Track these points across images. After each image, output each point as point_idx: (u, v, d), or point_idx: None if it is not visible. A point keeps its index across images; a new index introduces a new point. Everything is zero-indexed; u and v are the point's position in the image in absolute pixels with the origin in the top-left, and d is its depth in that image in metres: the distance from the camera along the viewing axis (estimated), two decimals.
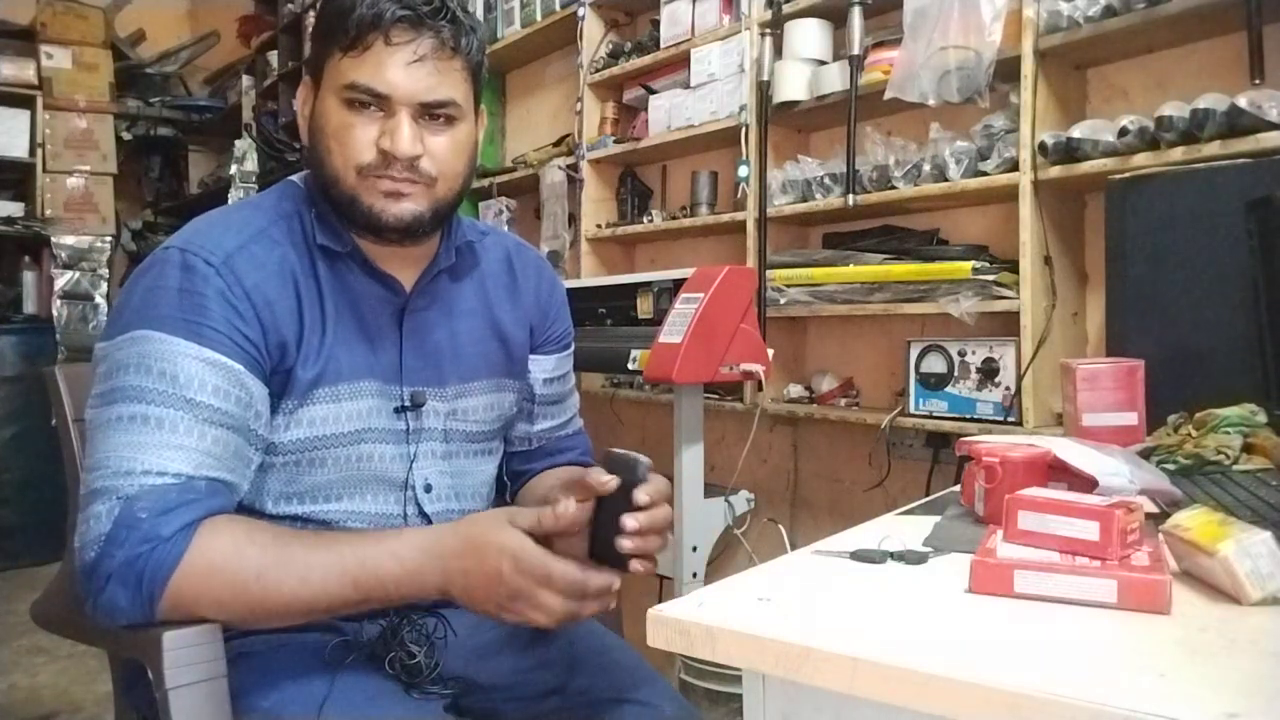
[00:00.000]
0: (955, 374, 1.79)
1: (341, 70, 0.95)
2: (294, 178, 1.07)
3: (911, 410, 1.85)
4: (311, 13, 4.02)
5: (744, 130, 2.15)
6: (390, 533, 0.92)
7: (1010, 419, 1.70)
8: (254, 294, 0.94)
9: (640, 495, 0.86)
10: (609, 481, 0.86)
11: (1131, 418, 1.23)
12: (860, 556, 0.79)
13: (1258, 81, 1.41)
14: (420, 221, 0.99)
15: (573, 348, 1.26)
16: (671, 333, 1.74)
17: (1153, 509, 0.89)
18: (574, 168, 2.69)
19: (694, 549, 1.88)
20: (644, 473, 0.88)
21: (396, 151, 0.94)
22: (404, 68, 0.93)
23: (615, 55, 2.60)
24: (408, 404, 1.04)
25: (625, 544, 0.85)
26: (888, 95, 1.79)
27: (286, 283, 0.97)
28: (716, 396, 2.20)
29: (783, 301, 2.06)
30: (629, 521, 0.85)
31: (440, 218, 1.02)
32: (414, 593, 0.90)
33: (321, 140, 0.97)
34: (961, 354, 1.79)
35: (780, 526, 2.20)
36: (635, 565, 0.86)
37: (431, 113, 0.96)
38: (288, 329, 0.96)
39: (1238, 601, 0.65)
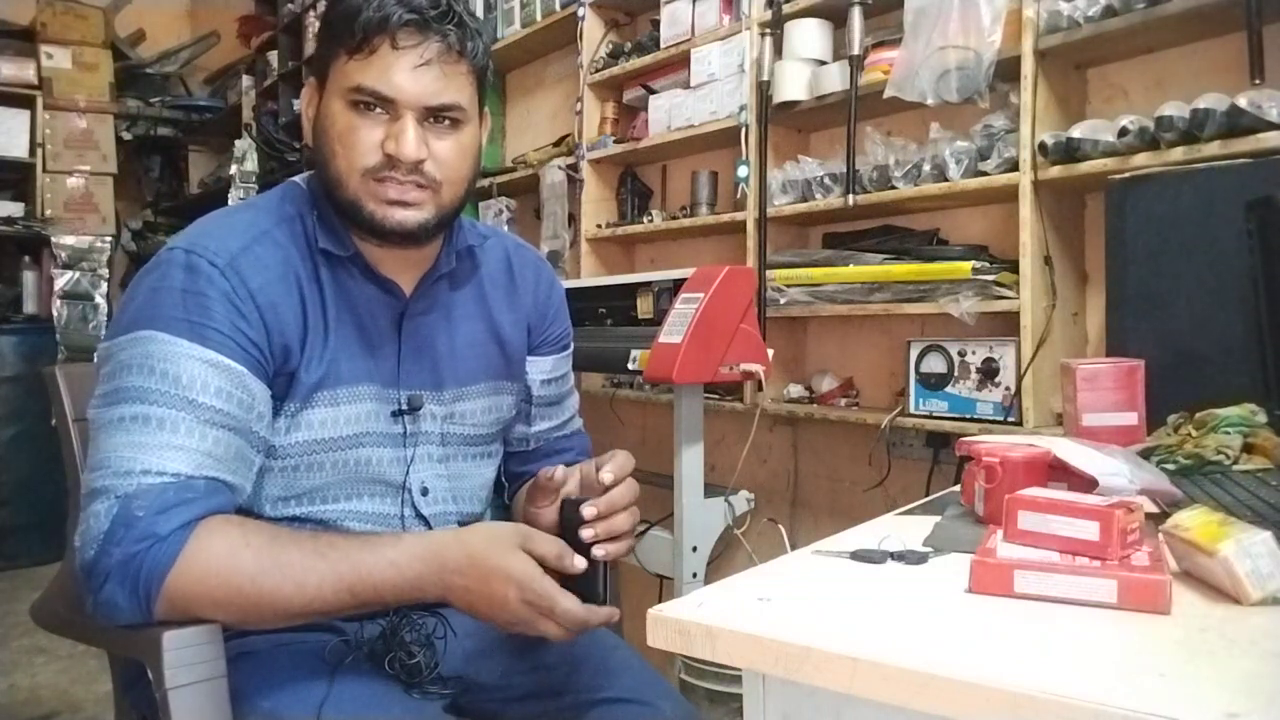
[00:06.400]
0: (955, 374, 1.79)
1: (347, 73, 0.95)
2: (296, 179, 1.07)
3: (911, 410, 1.85)
4: (312, 13, 4.01)
5: (744, 130, 2.15)
6: (390, 539, 0.92)
7: (1010, 419, 1.70)
8: (258, 296, 0.94)
9: (605, 475, 0.92)
10: (560, 478, 0.93)
11: (1131, 418, 1.23)
12: (860, 556, 0.79)
13: (1258, 81, 1.40)
14: (424, 229, 0.99)
15: (571, 348, 1.26)
16: (671, 333, 1.74)
17: (1153, 509, 0.89)
18: (574, 168, 2.69)
19: (694, 549, 1.87)
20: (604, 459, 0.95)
21: (401, 155, 0.94)
22: (410, 71, 0.94)
23: (615, 55, 2.60)
24: (405, 408, 1.04)
25: (585, 534, 0.90)
26: (887, 94, 1.79)
27: (290, 285, 0.97)
28: (716, 396, 2.20)
29: (783, 301, 2.06)
30: (587, 509, 0.90)
31: (444, 223, 1.02)
32: (412, 600, 0.91)
33: (326, 142, 0.97)
34: (961, 354, 1.79)
35: (780, 526, 2.19)
36: (597, 552, 0.90)
37: (436, 116, 0.97)
38: (291, 332, 0.96)
39: (1238, 601, 0.65)
